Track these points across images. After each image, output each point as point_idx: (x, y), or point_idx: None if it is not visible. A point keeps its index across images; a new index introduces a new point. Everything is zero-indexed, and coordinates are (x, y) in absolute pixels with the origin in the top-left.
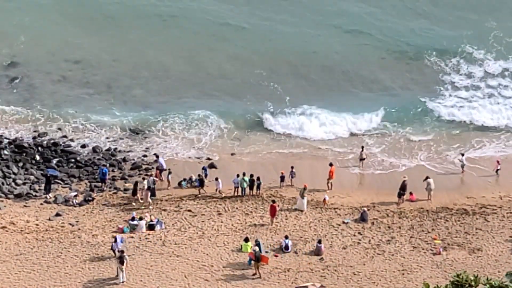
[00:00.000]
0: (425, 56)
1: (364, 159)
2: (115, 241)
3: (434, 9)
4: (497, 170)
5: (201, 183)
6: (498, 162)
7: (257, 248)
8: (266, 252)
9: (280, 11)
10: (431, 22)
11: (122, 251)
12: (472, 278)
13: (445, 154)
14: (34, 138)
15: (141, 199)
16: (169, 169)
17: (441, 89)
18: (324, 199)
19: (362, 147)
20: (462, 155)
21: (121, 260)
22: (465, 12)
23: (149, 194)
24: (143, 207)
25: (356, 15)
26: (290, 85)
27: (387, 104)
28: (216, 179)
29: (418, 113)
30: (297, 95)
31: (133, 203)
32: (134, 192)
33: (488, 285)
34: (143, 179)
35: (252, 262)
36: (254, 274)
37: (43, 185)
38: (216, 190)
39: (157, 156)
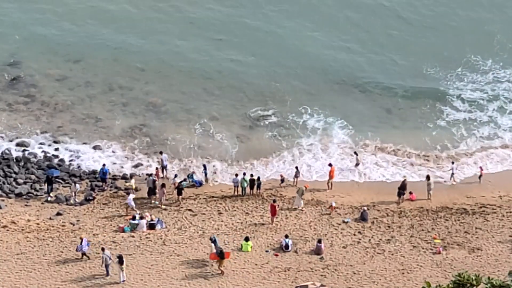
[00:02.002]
0: (426, 66)
1: (359, 164)
2: (81, 243)
3: (435, 18)
4: (480, 176)
5: (179, 191)
6: (481, 168)
7: (213, 246)
8: (267, 251)
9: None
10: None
11: (103, 249)
12: (473, 277)
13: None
14: (35, 136)
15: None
16: (175, 174)
17: (446, 98)
18: (331, 205)
19: (355, 153)
20: (453, 163)
21: (120, 260)
22: (467, 21)
23: (164, 192)
24: (163, 207)
25: (357, 24)
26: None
27: (389, 112)
28: (128, 193)
29: (420, 119)
30: (296, 101)
31: (153, 201)
32: (153, 192)
33: (489, 285)
34: (132, 177)
35: (216, 260)
36: (222, 273)
37: (43, 184)
38: (128, 207)
39: (161, 153)
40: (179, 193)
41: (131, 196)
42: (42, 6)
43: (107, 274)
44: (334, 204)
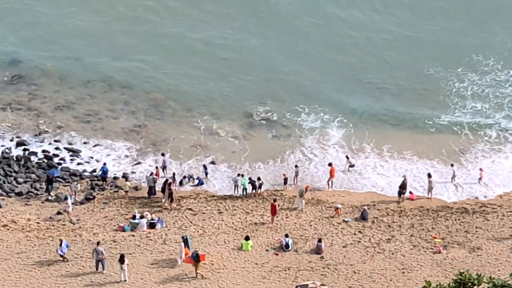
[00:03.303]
0: (428, 66)
1: (353, 165)
2: (60, 244)
3: (435, 20)
4: (480, 178)
5: (170, 195)
6: (481, 170)
7: (183, 245)
8: (267, 251)
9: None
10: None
11: (98, 243)
12: (475, 277)
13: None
14: (35, 135)
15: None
16: (173, 173)
17: (447, 100)
18: (337, 208)
19: (347, 157)
20: (452, 165)
21: (121, 259)
22: (467, 21)
23: (173, 192)
24: (173, 205)
25: (356, 23)
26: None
27: (389, 115)
28: (66, 197)
29: (419, 123)
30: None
31: (163, 200)
32: (163, 190)
33: (490, 284)
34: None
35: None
36: (196, 277)
37: (44, 183)
38: (66, 211)
39: (163, 154)
40: (171, 199)
41: (69, 200)
42: (43, 6)
43: (96, 269)
44: (339, 206)
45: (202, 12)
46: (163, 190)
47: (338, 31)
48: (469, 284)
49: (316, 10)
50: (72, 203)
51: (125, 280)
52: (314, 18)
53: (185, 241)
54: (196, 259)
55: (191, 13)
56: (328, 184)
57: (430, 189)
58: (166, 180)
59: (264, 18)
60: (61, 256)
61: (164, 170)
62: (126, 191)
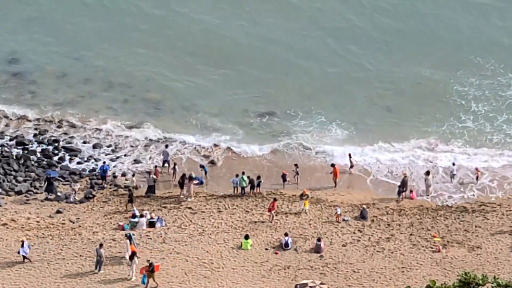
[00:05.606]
0: (426, 66)
1: (353, 165)
2: (22, 245)
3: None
4: (477, 177)
5: (130, 197)
6: (477, 169)
7: (128, 242)
8: (266, 249)
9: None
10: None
11: (101, 245)
12: (480, 277)
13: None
14: (35, 135)
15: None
16: (174, 163)
17: (448, 101)
18: (336, 213)
19: (350, 155)
20: (453, 164)
21: (131, 257)
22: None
23: (192, 186)
24: (189, 200)
25: (355, 23)
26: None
27: (389, 111)
28: (66, 196)
29: (421, 119)
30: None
31: (181, 196)
32: (181, 185)
33: (495, 284)
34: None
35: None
36: (156, 286)
37: (44, 184)
38: None
39: (166, 146)
40: (130, 200)
41: None
42: (42, 5)
43: (95, 268)
44: (339, 212)
45: (202, 10)
46: (181, 185)
47: (338, 31)
48: (473, 284)
49: (312, 9)
50: (72, 202)
51: (131, 278)
52: (314, 18)
53: (129, 238)
54: (151, 269)
55: (189, 9)
56: (336, 183)
57: (428, 186)
58: (183, 175)
59: (255, 20)
60: (23, 257)
61: (165, 164)
62: (134, 187)
